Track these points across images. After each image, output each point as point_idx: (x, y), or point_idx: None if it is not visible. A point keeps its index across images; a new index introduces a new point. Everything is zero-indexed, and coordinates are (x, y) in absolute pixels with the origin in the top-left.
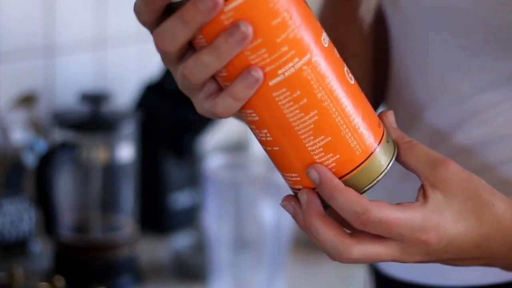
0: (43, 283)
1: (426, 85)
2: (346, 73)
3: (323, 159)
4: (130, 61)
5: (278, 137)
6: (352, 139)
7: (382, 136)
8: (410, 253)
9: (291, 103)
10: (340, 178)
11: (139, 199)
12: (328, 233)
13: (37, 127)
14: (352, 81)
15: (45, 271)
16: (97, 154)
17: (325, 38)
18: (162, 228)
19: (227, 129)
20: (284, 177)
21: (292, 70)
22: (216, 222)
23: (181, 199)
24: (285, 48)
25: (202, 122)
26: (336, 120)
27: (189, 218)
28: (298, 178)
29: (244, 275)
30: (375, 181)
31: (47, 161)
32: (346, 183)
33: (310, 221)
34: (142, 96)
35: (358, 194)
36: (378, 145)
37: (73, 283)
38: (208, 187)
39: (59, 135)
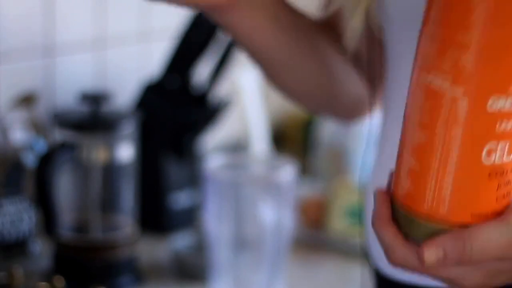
0: (43, 283)
1: None
2: (485, 150)
3: (405, 177)
4: (130, 61)
5: None
6: (431, 191)
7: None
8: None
9: (416, 106)
10: (397, 200)
11: (139, 199)
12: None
13: (37, 127)
14: (487, 162)
15: (45, 271)
16: (97, 154)
17: (498, 101)
18: (162, 228)
19: (227, 129)
20: None
21: (439, 88)
22: (216, 222)
23: (181, 199)
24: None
25: (202, 122)
26: (433, 160)
27: (189, 218)
28: None
29: (244, 275)
30: (410, 237)
31: (47, 161)
32: (399, 214)
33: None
34: (142, 96)
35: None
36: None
37: (73, 283)
38: (208, 187)
39: (59, 135)
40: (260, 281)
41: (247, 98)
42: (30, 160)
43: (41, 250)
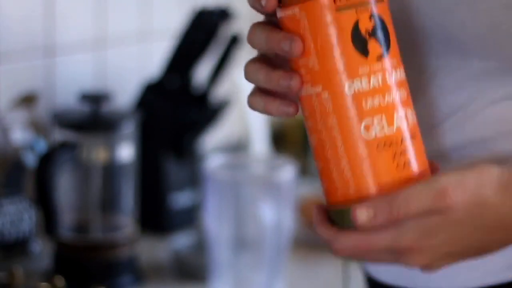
0: (43, 283)
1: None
2: (362, 127)
3: (321, 180)
4: (130, 61)
5: None
6: (338, 180)
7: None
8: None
9: (306, 117)
10: (327, 203)
11: (139, 199)
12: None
13: (37, 127)
14: (368, 137)
15: (45, 271)
16: (97, 154)
17: (353, 85)
18: (162, 228)
19: (227, 129)
20: None
21: (305, 92)
22: (216, 222)
23: (181, 199)
24: (302, 71)
25: (202, 122)
26: (328, 154)
27: (189, 218)
28: None
29: (244, 275)
30: (345, 226)
31: (47, 161)
32: (331, 214)
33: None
34: (142, 96)
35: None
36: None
37: (73, 283)
38: (208, 187)
39: (59, 135)
40: (260, 281)
41: (246, 98)
42: (30, 160)
43: (41, 250)
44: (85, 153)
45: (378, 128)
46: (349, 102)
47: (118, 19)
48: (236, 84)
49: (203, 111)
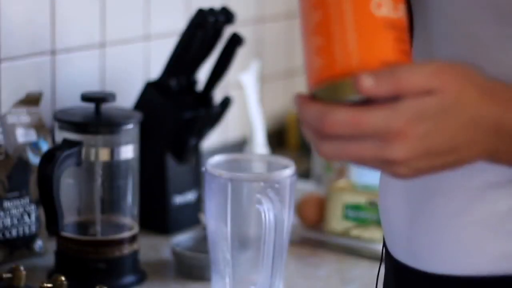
0: (46, 282)
1: None
2: (375, 2)
3: (314, 58)
4: (131, 61)
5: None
6: (339, 53)
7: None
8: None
9: None
10: (316, 83)
11: (141, 198)
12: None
13: (40, 127)
14: (377, 13)
15: (48, 270)
16: (99, 153)
17: None
18: (163, 228)
19: (228, 129)
20: None
21: None
22: (216, 222)
23: (182, 198)
24: None
25: (203, 122)
26: (332, 28)
27: (190, 218)
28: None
29: (244, 274)
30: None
31: (49, 160)
32: (320, 92)
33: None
34: (144, 96)
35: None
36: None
37: (75, 282)
38: (208, 187)
39: (61, 135)
40: (260, 281)
41: (248, 98)
42: (33, 159)
43: (44, 249)
44: (87, 153)
45: (386, 9)
46: None
47: (120, 19)
48: (237, 84)
49: (204, 111)
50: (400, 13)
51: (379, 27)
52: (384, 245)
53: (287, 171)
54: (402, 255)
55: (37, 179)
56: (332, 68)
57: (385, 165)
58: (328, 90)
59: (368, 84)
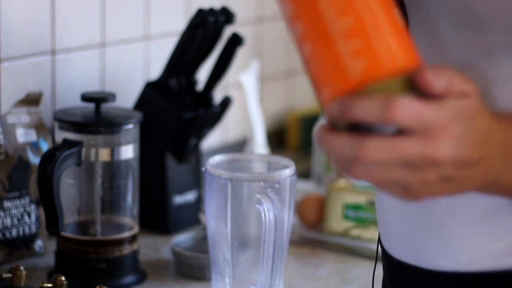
0: (46, 282)
1: None
2: (393, 9)
3: (353, 61)
4: (132, 61)
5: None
6: (384, 51)
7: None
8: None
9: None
10: (363, 84)
11: (141, 198)
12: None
13: (40, 127)
14: (398, 18)
15: (48, 270)
16: (99, 153)
17: None
18: (164, 228)
19: (228, 129)
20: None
21: None
22: (216, 222)
23: (182, 198)
24: None
25: (203, 122)
26: (370, 29)
27: (190, 218)
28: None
29: (244, 275)
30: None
31: (49, 160)
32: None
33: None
34: (144, 96)
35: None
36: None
37: (75, 282)
38: (208, 187)
39: (61, 135)
40: (260, 281)
41: (248, 98)
42: (33, 159)
43: (44, 249)
44: (87, 152)
45: (399, 14)
46: None
47: (120, 19)
48: (237, 84)
49: (204, 111)
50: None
51: (402, 30)
52: (380, 244)
53: (287, 171)
54: (400, 253)
55: (37, 179)
56: (381, 67)
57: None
58: (380, 89)
59: (430, 78)
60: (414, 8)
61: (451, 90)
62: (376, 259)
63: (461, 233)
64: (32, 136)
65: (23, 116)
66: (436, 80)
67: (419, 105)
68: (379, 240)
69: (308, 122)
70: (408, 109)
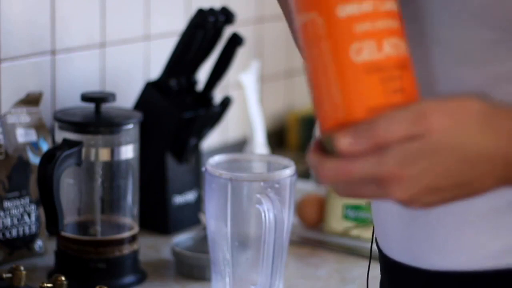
0: (46, 282)
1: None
2: (353, 50)
3: (315, 109)
4: (132, 61)
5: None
6: (328, 105)
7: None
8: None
9: (302, 47)
10: (320, 132)
11: (141, 198)
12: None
13: (40, 127)
14: (358, 60)
15: (48, 270)
16: (99, 153)
17: (345, 8)
18: (164, 228)
19: (227, 129)
20: None
21: (301, 20)
22: (216, 222)
23: (182, 198)
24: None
25: (203, 122)
26: (320, 80)
27: (190, 218)
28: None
29: (244, 275)
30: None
31: (49, 160)
32: (322, 141)
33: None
34: (144, 96)
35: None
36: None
37: (75, 282)
38: (208, 187)
39: (61, 135)
40: (260, 281)
41: (248, 98)
42: (33, 159)
43: (44, 249)
44: (87, 152)
45: (367, 52)
46: (341, 25)
47: (120, 20)
48: (237, 84)
49: (205, 111)
50: (386, 51)
51: (360, 74)
52: (377, 244)
53: (287, 171)
54: (397, 253)
55: (37, 179)
56: (325, 122)
57: (388, 199)
58: (325, 140)
59: (346, 143)
60: (405, 6)
61: (387, 142)
62: (370, 259)
63: (458, 233)
64: (32, 136)
65: (23, 116)
66: (356, 142)
67: (344, 164)
68: (374, 241)
69: (308, 122)
70: (333, 171)
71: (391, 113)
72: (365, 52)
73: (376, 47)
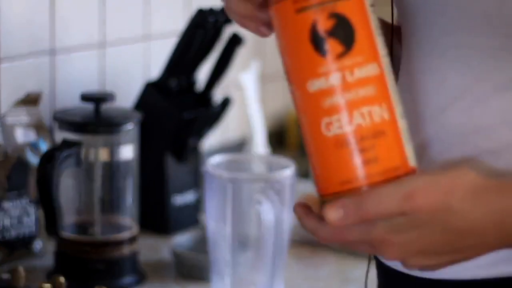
0: (45, 283)
1: (443, 88)
2: (323, 125)
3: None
4: (131, 61)
5: None
6: (315, 173)
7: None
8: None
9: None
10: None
11: (140, 199)
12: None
13: (39, 127)
14: (330, 133)
15: (47, 271)
16: (98, 154)
17: (313, 83)
18: (163, 228)
19: (228, 129)
20: None
21: (290, 89)
22: (216, 222)
23: (182, 199)
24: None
25: (203, 122)
26: (307, 149)
27: (190, 218)
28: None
29: (244, 275)
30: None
31: (49, 161)
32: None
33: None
34: (144, 96)
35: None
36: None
37: (74, 282)
38: (208, 187)
39: (60, 135)
40: (260, 281)
41: (248, 98)
42: (32, 159)
43: (44, 250)
44: (87, 153)
45: (336, 126)
46: (311, 100)
47: (119, 19)
48: (237, 84)
49: (204, 111)
50: (356, 122)
51: (332, 148)
52: None
53: (287, 171)
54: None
55: (36, 180)
56: (316, 185)
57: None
58: (320, 203)
59: (334, 216)
60: (406, 21)
61: (376, 218)
62: (369, 261)
63: None
64: (32, 136)
65: (22, 116)
66: (345, 217)
67: (338, 231)
68: None
69: None
70: (329, 236)
71: (379, 191)
72: (334, 126)
73: (345, 119)
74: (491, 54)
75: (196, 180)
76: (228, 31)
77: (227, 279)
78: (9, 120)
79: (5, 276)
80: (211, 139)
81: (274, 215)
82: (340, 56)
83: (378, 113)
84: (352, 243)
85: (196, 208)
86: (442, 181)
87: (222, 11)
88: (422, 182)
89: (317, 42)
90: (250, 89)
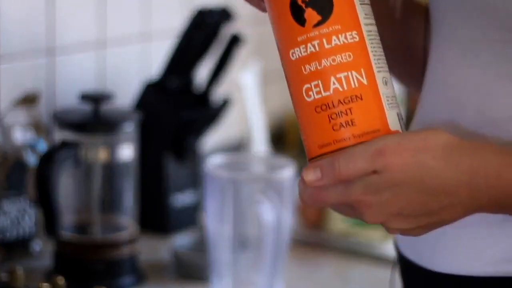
0: (44, 283)
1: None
2: (303, 91)
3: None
4: (130, 61)
5: None
6: (304, 146)
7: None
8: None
9: None
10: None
11: (140, 199)
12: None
13: (38, 127)
14: (310, 98)
15: (46, 271)
16: (97, 154)
17: (295, 52)
18: (163, 228)
19: (228, 129)
20: None
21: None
22: (216, 222)
23: (181, 199)
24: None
25: (203, 122)
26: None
27: (190, 218)
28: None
29: (244, 275)
30: None
31: (48, 161)
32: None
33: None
34: (143, 96)
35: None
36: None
37: (73, 283)
38: (208, 187)
39: (59, 135)
40: (260, 281)
41: (248, 97)
42: (31, 160)
43: (42, 250)
44: (86, 153)
45: (315, 92)
46: (293, 68)
47: (119, 19)
48: (237, 84)
49: (204, 111)
50: (333, 87)
51: (311, 113)
52: (395, 246)
53: (287, 171)
54: (408, 252)
55: (35, 180)
56: (306, 153)
57: (365, 221)
58: None
59: (311, 177)
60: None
61: (350, 177)
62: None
63: (461, 237)
64: (31, 136)
65: (21, 116)
66: (322, 177)
67: (317, 192)
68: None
69: None
70: (310, 197)
71: (350, 151)
72: (313, 92)
73: (323, 85)
74: (499, 47)
75: (196, 180)
76: (229, 31)
77: (227, 279)
78: (8, 120)
79: (4, 276)
80: (211, 139)
81: (274, 215)
82: (317, 24)
83: (356, 78)
84: (333, 205)
85: (195, 208)
86: (414, 139)
87: (221, 11)
88: (393, 139)
89: (296, 12)
90: (250, 89)
